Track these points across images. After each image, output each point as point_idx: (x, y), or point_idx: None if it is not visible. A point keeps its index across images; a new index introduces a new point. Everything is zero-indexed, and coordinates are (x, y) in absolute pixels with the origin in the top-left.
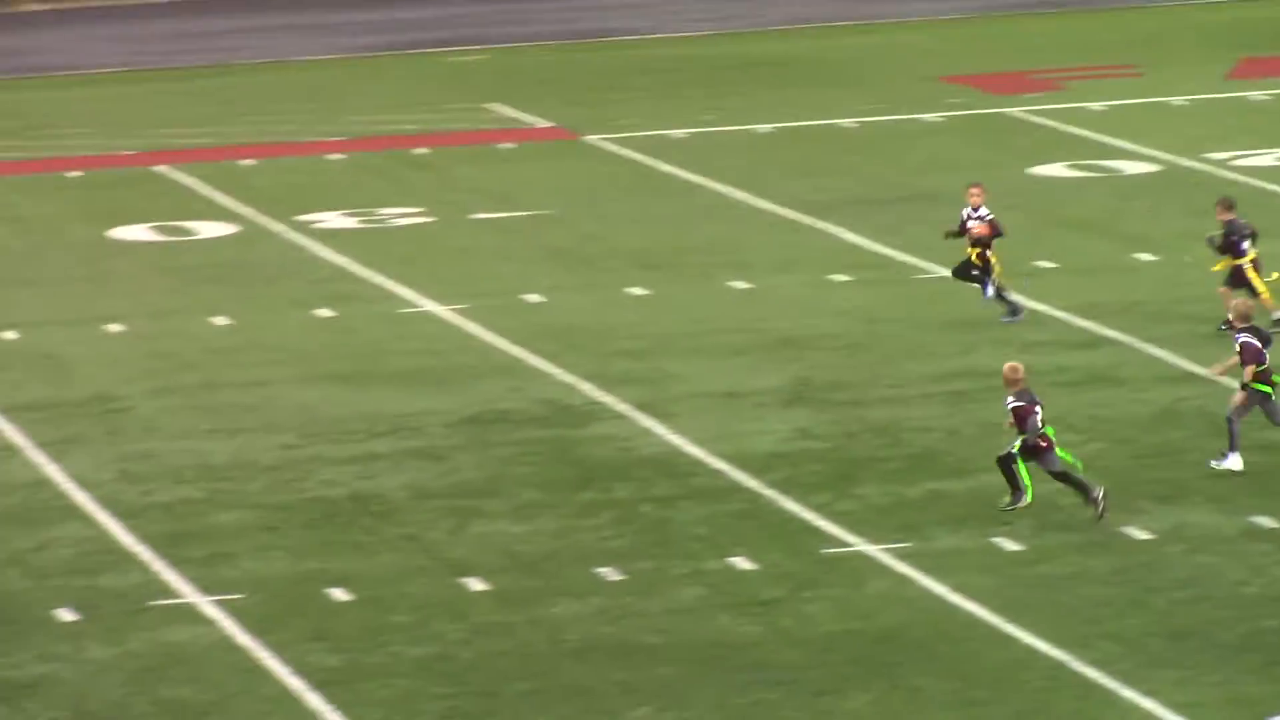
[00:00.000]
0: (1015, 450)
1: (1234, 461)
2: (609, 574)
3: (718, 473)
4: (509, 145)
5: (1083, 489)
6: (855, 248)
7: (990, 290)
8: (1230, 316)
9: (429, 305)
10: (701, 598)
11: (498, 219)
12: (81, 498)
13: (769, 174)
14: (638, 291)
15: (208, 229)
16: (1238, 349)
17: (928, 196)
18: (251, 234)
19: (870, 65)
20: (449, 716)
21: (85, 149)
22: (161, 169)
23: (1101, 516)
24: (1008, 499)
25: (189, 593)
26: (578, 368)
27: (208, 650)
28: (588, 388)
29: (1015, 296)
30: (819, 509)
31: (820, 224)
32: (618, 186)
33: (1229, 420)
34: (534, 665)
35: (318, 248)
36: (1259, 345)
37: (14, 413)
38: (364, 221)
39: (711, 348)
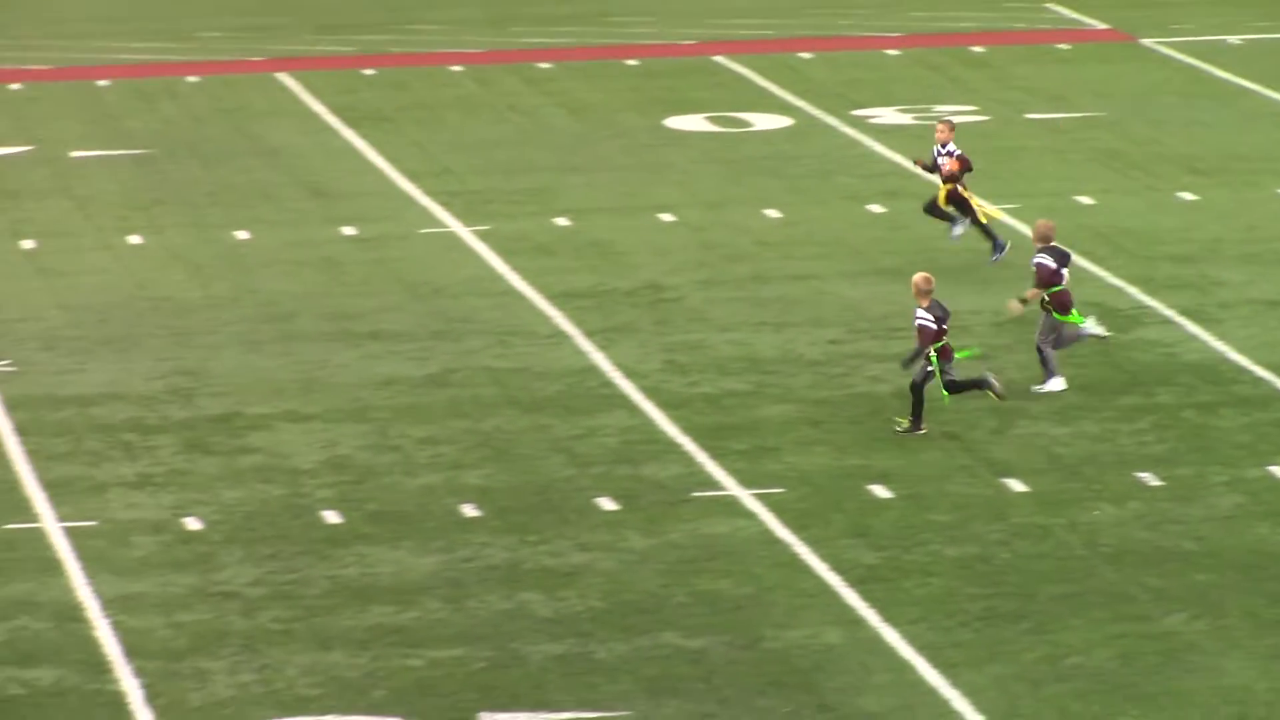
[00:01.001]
0: (934, 368)
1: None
2: (1148, 479)
3: (1261, 381)
4: (1065, 46)
5: (976, 385)
6: None
7: (959, 229)
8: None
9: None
10: (1240, 505)
11: (1051, 119)
12: (627, 387)
13: None
14: (1187, 196)
15: (763, 121)
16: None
17: None
18: (806, 127)
19: None
20: (984, 617)
21: (644, 37)
22: (719, 59)
23: (1002, 397)
24: (906, 423)
25: (730, 485)
26: (1125, 271)
27: (747, 544)
28: (1134, 292)
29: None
30: None
31: None
32: (1171, 90)
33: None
34: (1070, 568)
35: (871, 143)
36: (1052, 268)
37: (563, 300)
38: (919, 118)
39: (1259, 255)
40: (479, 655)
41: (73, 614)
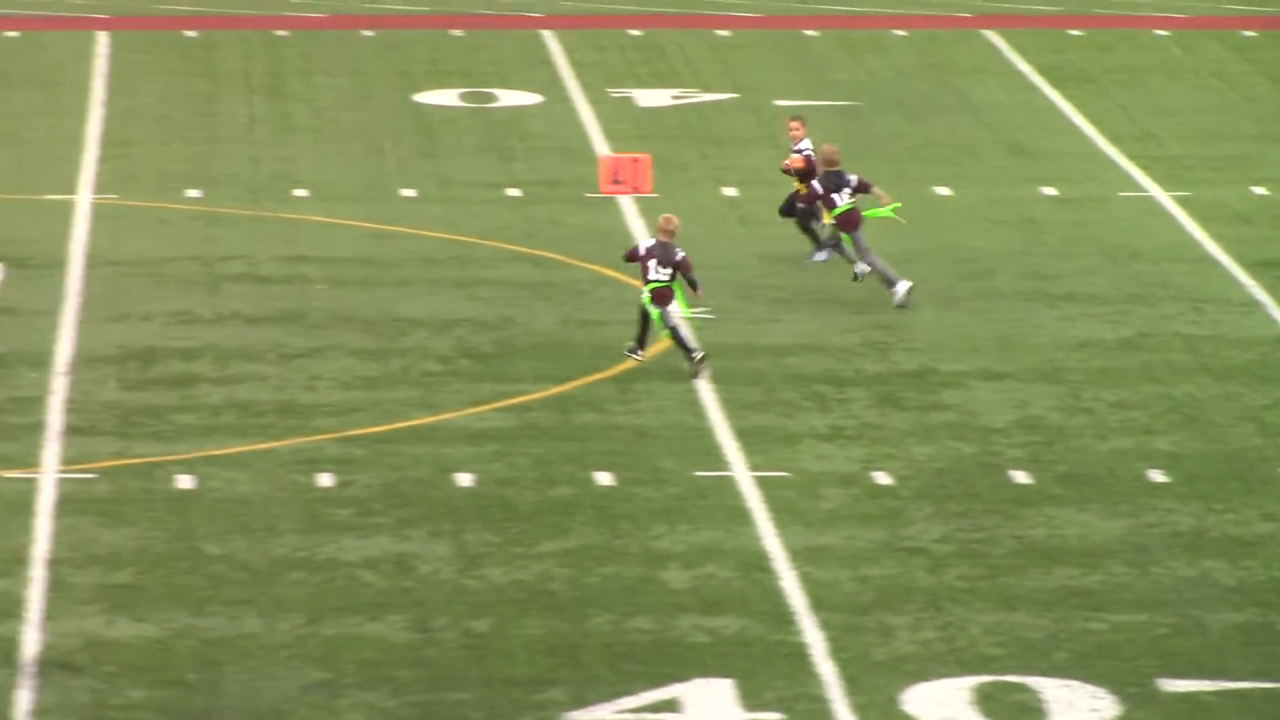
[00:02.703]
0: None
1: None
2: None
3: None
4: None
5: (685, 348)
6: None
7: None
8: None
9: None
10: None
11: None
12: None
13: None
14: None
15: None
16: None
17: None
18: None
19: None
20: None
21: None
22: None
23: (696, 375)
24: (630, 342)
25: None
26: None
27: None
28: None
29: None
30: None
31: None
32: None
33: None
34: None
35: None
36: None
37: (1258, 269)
38: None
39: None
40: (1161, 621)
41: (759, 563)
